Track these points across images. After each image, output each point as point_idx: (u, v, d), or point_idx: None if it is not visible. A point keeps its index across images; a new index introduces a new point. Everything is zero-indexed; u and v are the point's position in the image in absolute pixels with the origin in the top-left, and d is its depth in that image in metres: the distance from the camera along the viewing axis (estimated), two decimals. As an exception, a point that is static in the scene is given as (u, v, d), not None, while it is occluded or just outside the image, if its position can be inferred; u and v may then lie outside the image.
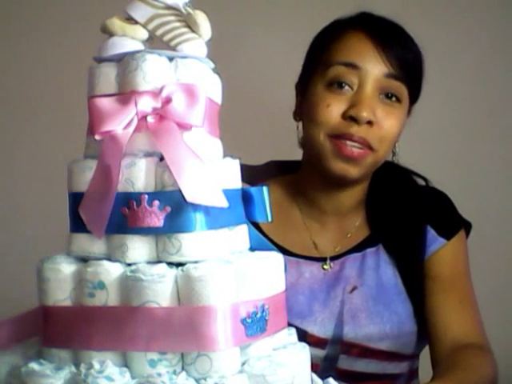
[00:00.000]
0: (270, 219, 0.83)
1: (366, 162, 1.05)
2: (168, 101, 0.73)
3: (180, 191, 0.71)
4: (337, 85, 1.05)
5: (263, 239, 0.84)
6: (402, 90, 1.06)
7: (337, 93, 1.05)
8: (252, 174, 1.02)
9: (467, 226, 1.17)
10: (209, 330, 0.69)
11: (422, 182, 1.18)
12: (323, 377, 0.81)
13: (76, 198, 0.76)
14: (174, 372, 0.70)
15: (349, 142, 1.04)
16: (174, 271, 0.71)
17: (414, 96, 1.10)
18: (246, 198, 0.81)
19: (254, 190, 0.82)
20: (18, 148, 1.69)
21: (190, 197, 0.71)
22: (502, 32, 1.59)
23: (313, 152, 1.08)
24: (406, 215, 1.12)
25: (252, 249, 0.82)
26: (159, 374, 0.68)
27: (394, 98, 1.06)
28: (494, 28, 1.59)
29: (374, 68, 1.04)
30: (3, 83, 1.69)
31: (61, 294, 0.74)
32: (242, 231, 0.80)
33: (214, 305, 0.69)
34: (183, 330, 0.69)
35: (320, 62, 1.08)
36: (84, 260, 0.76)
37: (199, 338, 0.69)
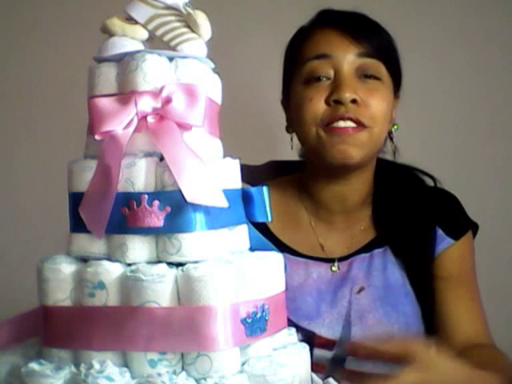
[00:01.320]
0: (270, 219, 0.83)
1: (362, 139, 1.04)
2: (168, 101, 0.73)
3: (180, 191, 0.71)
4: (314, 79, 1.06)
5: (263, 239, 0.84)
6: (379, 66, 1.06)
7: (316, 86, 1.05)
8: (252, 174, 1.02)
9: (474, 227, 1.16)
10: (209, 330, 0.69)
11: (430, 181, 1.17)
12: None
13: (76, 198, 0.76)
14: (174, 372, 0.70)
15: (341, 123, 1.03)
16: (173, 271, 0.71)
17: (395, 76, 1.10)
18: (246, 198, 0.81)
19: (253, 190, 0.82)
20: (18, 148, 1.69)
21: (189, 197, 0.71)
22: (500, 27, 1.58)
23: (310, 149, 1.08)
24: (414, 216, 1.12)
25: (252, 249, 0.82)
26: (159, 374, 0.68)
27: (373, 77, 1.06)
28: (493, 24, 1.58)
29: (346, 52, 1.05)
30: (3, 83, 1.69)
31: (61, 294, 0.74)
32: (242, 231, 0.81)
33: (214, 305, 0.69)
34: (183, 330, 0.69)
35: (295, 68, 1.09)
36: (84, 260, 0.76)
37: (199, 338, 0.69)
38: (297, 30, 1.13)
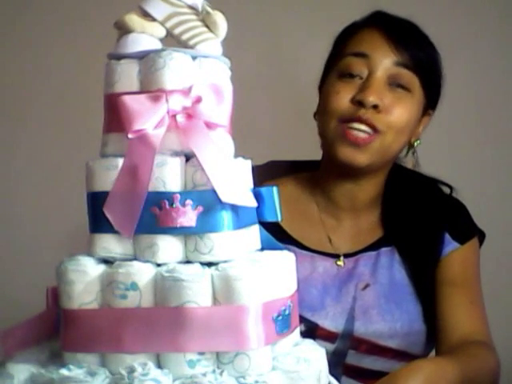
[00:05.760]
0: (279, 219, 0.83)
1: (372, 147, 1.06)
2: (198, 100, 0.73)
3: (212, 191, 0.71)
4: (348, 75, 1.08)
5: (272, 239, 0.84)
6: (412, 79, 1.09)
7: (347, 82, 1.08)
8: (252, 174, 1.02)
9: (481, 236, 1.20)
10: (247, 329, 0.70)
11: (447, 190, 1.19)
12: (331, 372, 0.83)
13: (98, 198, 0.74)
14: (214, 371, 0.69)
15: (355, 125, 1.06)
16: (209, 271, 0.71)
17: (430, 93, 1.12)
18: (256, 198, 0.81)
19: (264, 189, 0.82)
20: (18, 148, 1.61)
21: (224, 197, 0.71)
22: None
23: (325, 141, 1.10)
24: (422, 219, 1.15)
25: (262, 248, 0.83)
26: (204, 374, 0.68)
27: (403, 87, 1.08)
28: (498, 31, 1.60)
29: (384, 57, 1.07)
30: (4, 84, 1.60)
31: (87, 297, 0.72)
32: (254, 231, 0.81)
33: (250, 303, 0.70)
34: (221, 329, 0.69)
35: (335, 59, 1.12)
36: (106, 261, 0.74)
37: (238, 337, 0.69)
38: (348, 24, 1.14)
